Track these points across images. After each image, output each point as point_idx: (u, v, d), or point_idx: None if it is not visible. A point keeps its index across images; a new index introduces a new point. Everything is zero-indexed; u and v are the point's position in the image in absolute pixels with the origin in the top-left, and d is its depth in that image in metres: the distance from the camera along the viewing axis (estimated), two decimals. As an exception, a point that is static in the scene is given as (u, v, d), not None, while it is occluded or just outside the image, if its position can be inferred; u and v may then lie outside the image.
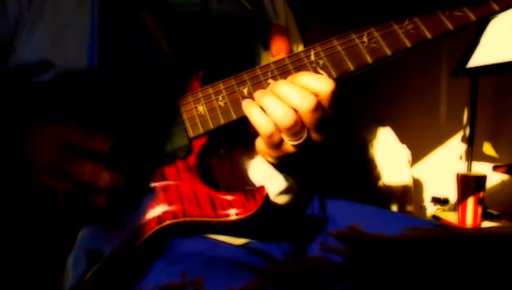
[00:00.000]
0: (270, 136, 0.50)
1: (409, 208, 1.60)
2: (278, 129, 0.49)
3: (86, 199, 0.48)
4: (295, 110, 0.48)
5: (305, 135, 0.49)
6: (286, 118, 0.47)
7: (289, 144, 0.51)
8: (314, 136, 0.50)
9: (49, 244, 0.50)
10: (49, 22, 0.57)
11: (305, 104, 0.47)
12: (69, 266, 0.49)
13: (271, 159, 0.57)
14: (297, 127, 0.48)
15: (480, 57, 1.37)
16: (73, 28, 0.57)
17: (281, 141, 0.51)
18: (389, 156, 1.60)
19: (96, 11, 0.58)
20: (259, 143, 0.54)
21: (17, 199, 0.49)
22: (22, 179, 0.47)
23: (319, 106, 0.48)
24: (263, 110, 0.50)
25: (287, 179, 0.65)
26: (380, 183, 1.58)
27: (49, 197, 0.47)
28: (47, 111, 0.51)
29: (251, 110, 0.50)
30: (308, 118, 0.48)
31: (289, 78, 0.51)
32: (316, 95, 0.48)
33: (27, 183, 0.47)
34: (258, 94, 0.51)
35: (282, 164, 0.58)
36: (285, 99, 0.48)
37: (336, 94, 0.48)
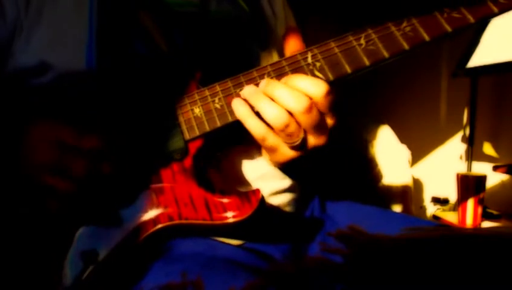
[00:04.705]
0: (263, 139, 0.49)
1: (409, 208, 1.60)
2: (272, 132, 0.49)
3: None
4: (289, 112, 0.47)
5: (301, 136, 0.48)
6: (279, 119, 0.47)
7: (287, 147, 0.50)
8: (312, 138, 0.49)
9: (46, 244, 0.50)
10: (48, 24, 0.57)
11: (298, 106, 0.46)
12: (67, 266, 0.49)
13: (276, 165, 0.56)
14: (291, 128, 0.47)
15: (480, 57, 1.37)
16: (72, 29, 0.57)
17: (277, 145, 0.50)
18: (389, 156, 1.60)
19: (95, 12, 0.57)
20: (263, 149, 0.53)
21: (14, 200, 0.49)
22: (22, 178, 0.47)
23: (312, 108, 0.47)
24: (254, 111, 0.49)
25: (289, 178, 0.65)
26: (380, 183, 1.58)
27: (47, 197, 0.47)
28: (41, 111, 0.51)
29: (242, 112, 0.49)
30: (303, 120, 0.47)
31: (283, 80, 0.50)
32: (310, 98, 0.47)
33: (28, 182, 0.47)
34: (249, 93, 0.49)
35: (287, 169, 0.56)
36: (277, 100, 0.47)
37: (330, 97, 0.47)
